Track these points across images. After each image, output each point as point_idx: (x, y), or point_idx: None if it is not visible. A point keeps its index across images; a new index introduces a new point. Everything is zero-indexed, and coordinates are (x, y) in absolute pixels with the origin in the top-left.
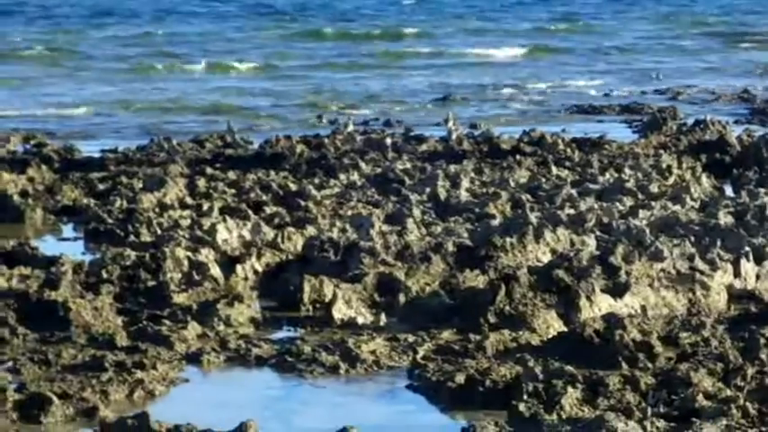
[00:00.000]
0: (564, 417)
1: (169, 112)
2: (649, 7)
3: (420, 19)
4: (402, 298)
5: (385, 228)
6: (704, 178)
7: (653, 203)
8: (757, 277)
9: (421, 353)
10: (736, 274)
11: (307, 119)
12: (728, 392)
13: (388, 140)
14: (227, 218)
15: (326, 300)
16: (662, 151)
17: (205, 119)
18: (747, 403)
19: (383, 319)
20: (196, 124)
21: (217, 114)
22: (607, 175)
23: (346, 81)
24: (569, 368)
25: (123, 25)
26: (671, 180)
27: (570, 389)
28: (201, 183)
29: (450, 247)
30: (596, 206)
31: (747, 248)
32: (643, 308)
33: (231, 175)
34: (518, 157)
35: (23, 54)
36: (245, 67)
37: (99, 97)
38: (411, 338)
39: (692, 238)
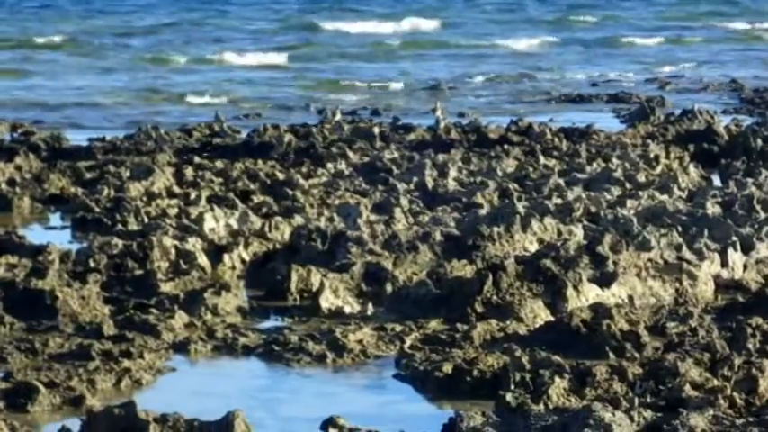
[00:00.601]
0: (551, 406)
1: (162, 102)
2: None
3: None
4: (389, 287)
5: (372, 217)
6: (692, 168)
7: (640, 193)
8: (744, 267)
9: (408, 342)
10: (724, 263)
11: (297, 107)
12: (715, 382)
13: (376, 130)
14: (215, 207)
15: (314, 289)
16: (649, 141)
17: (201, 110)
18: (734, 393)
19: (370, 308)
20: (179, 114)
21: (211, 106)
22: (594, 165)
23: (349, 70)
24: (556, 358)
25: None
26: (658, 170)
27: (557, 378)
28: (189, 172)
29: (438, 237)
30: (584, 196)
31: (735, 238)
32: (630, 297)
33: (219, 164)
34: (506, 146)
35: (37, 43)
36: (245, 58)
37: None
38: (398, 328)
39: (680, 228)
